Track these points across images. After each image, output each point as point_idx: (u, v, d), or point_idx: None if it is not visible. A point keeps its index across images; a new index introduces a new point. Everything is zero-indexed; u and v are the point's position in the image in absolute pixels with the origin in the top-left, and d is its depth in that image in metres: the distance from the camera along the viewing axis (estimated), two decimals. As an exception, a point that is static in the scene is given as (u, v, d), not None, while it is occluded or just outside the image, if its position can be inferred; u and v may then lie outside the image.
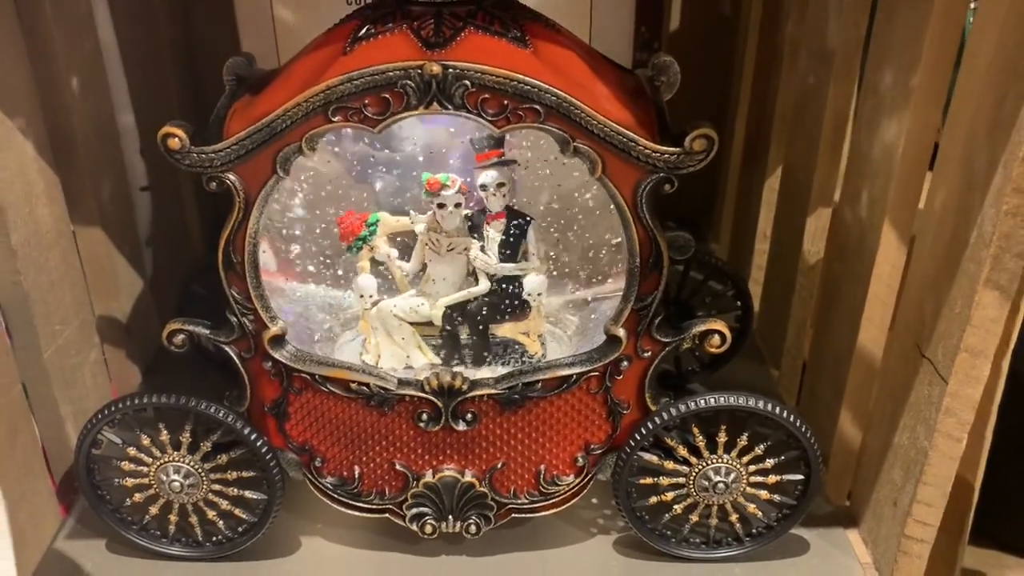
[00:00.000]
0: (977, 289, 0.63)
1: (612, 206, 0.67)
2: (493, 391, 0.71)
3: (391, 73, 0.61)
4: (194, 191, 1.15)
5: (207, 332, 0.72)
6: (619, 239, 0.70)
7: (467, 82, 0.61)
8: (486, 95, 0.62)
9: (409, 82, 0.61)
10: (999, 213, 0.60)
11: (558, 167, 0.72)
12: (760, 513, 0.77)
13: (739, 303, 0.95)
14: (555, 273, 0.76)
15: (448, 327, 0.75)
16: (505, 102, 0.62)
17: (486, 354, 0.75)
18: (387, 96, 0.62)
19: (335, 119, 0.63)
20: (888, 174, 0.75)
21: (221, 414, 0.72)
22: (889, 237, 0.76)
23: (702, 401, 0.71)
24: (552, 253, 0.76)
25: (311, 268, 0.77)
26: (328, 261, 0.77)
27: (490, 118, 0.63)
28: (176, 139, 0.64)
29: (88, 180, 0.89)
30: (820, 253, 0.95)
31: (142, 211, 1.05)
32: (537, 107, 0.62)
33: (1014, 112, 0.58)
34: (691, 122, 0.65)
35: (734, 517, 0.77)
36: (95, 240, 0.92)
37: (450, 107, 0.62)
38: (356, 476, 0.76)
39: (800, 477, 0.75)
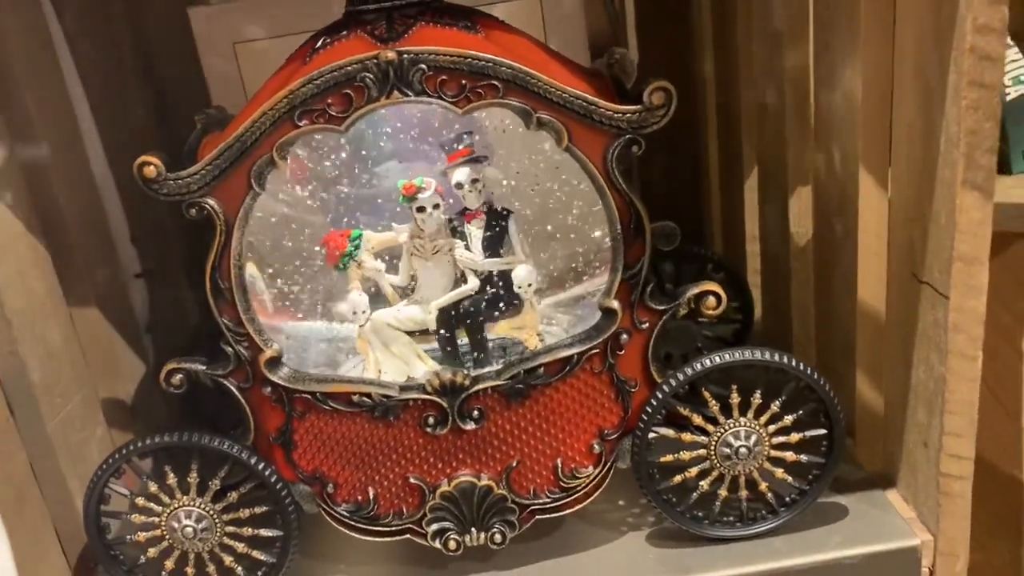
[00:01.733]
0: (956, 192, 0.63)
1: (586, 180, 0.68)
2: (496, 383, 0.70)
3: (349, 68, 0.63)
4: (188, 279, 1.16)
5: (204, 367, 0.72)
6: (596, 218, 0.70)
7: (423, 65, 0.63)
8: (444, 76, 0.64)
9: (367, 74, 0.63)
10: (960, 111, 0.61)
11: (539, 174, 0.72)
12: (790, 478, 0.74)
13: (737, 295, 0.95)
14: (544, 283, 0.75)
15: (443, 329, 0.74)
16: (463, 81, 0.64)
17: (484, 356, 0.74)
18: (348, 92, 0.64)
19: (302, 123, 0.65)
20: (853, 122, 0.76)
21: (226, 446, 0.71)
22: (867, 184, 0.77)
23: (707, 361, 0.70)
24: (542, 255, 0.75)
25: (304, 305, 0.77)
26: (319, 296, 0.77)
27: (451, 100, 0.64)
28: (152, 167, 0.66)
29: (81, 263, 0.91)
30: (808, 233, 0.95)
31: (138, 298, 1.06)
32: (495, 82, 0.64)
33: (952, 9, 0.59)
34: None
35: (764, 486, 0.74)
36: (92, 321, 0.92)
37: (410, 93, 0.64)
38: (371, 498, 0.74)
39: (823, 431, 0.73)
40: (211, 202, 0.65)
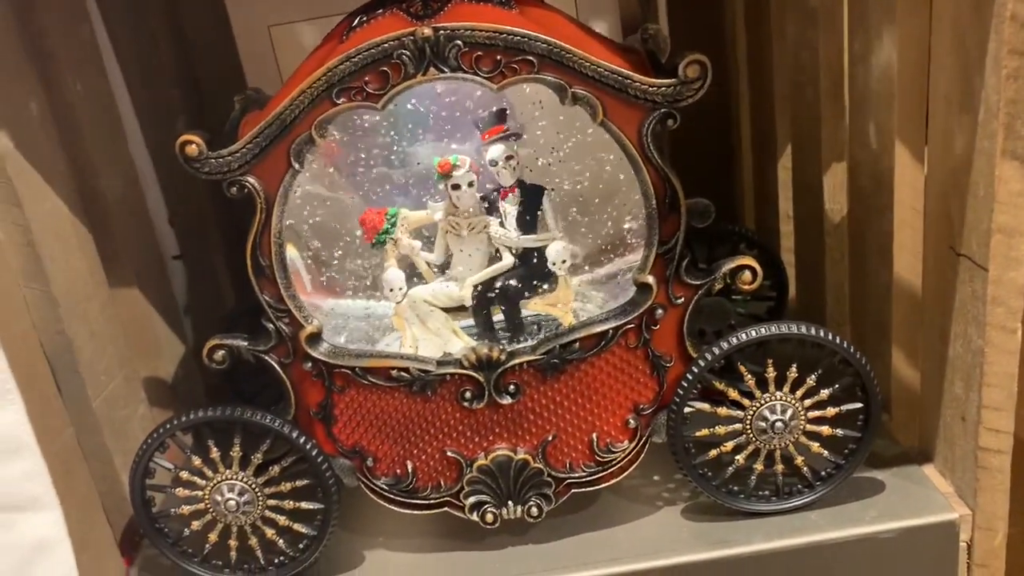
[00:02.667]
0: (996, 163, 0.62)
1: (620, 155, 0.68)
2: (532, 358, 0.71)
3: (386, 45, 0.64)
4: (225, 260, 1.18)
5: (246, 344, 0.73)
6: (631, 193, 0.70)
7: (459, 42, 0.64)
8: (479, 52, 0.64)
9: (404, 51, 0.64)
10: (1000, 80, 0.60)
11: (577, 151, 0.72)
12: (826, 452, 0.74)
13: (771, 272, 0.94)
14: (578, 259, 0.76)
15: (479, 304, 0.75)
16: (498, 57, 0.65)
17: (519, 332, 0.75)
18: (385, 69, 0.65)
19: (340, 101, 0.66)
20: (889, 94, 0.75)
21: (269, 421, 0.72)
22: (903, 157, 0.76)
23: (743, 335, 0.70)
24: (577, 231, 0.75)
25: (344, 282, 0.78)
26: (361, 272, 0.78)
27: (486, 76, 0.65)
28: (194, 146, 0.67)
29: (121, 246, 0.92)
30: (843, 210, 0.94)
31: (177, 279, 1.07)
32: (530, 58, 0.65)
33: (992, -24, 0.59)
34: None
35: (800, 460, 0.74)
36: (133, 302, 0.94)
37: (446, 70, 0.65)
38: (410, 471, 0.75)
39: (859, 405, 0.73)
40: (251, 180, 0.66)
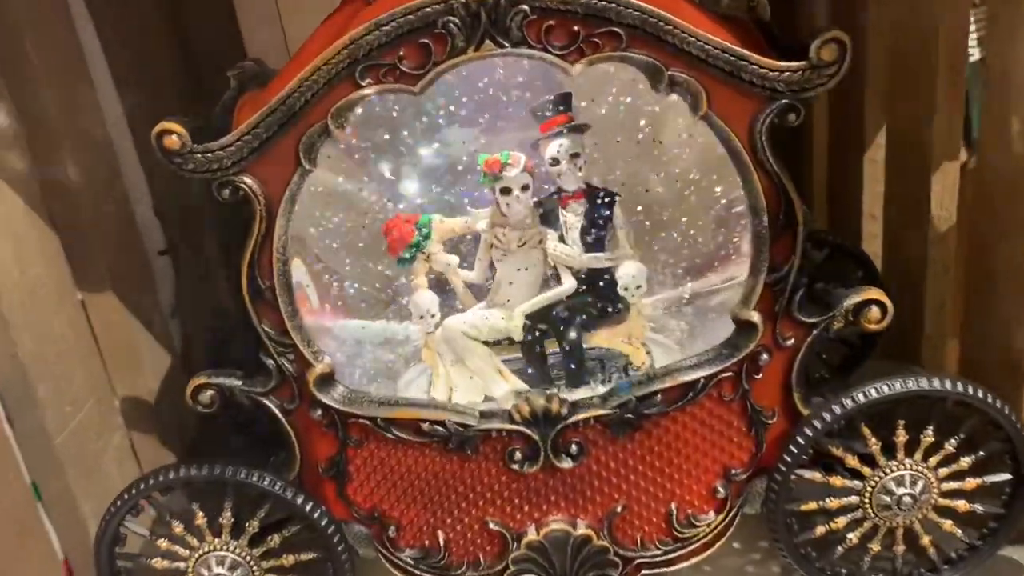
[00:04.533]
0: None
1: (723, 153, 0.53)
2: (601, 412, 0.58)
3: (429, 10, 0.49)
4: (220, 254, 1.03)
5: (240, 383, 0.60)
6: (733, 205, 0.56)
7: (525, 7, 0.49)
8: (551, 21, 0.50)
9: (452, 18, 0.49)
10: None
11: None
12: (959, 531, 0.60)
13: (863, 276, 0.81)
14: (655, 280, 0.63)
15: (531, 340, 0.62)
16: (575, 28, 0.49)
17: (582, 371, 0.62)
18: (426, 41, 0.50)
19: (365, 83, 0.51)
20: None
21: (267, 483, 0.58)
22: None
23: (873, 391, 0.57)
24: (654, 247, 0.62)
25: (360, 299, 0.65)
26: (380, 287, 0.65)
27: (559, 52, 0.50)
28: (175, 137, 0.52)
29: (95, 242, 0.78)
30: (952, 217, 0.80)
31: (163, 278, 0.93)
32: (617, 29, 0.49)
33: None
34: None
35: (926, 540, 0.60)
36: (109, 308, 0.80)
37: (506, 43, 0.50)
38: (441, 544, 0.62)
39: (1007, 477, 0.58)
40: (249, 181, 0.54)
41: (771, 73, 0.52)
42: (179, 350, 0.92)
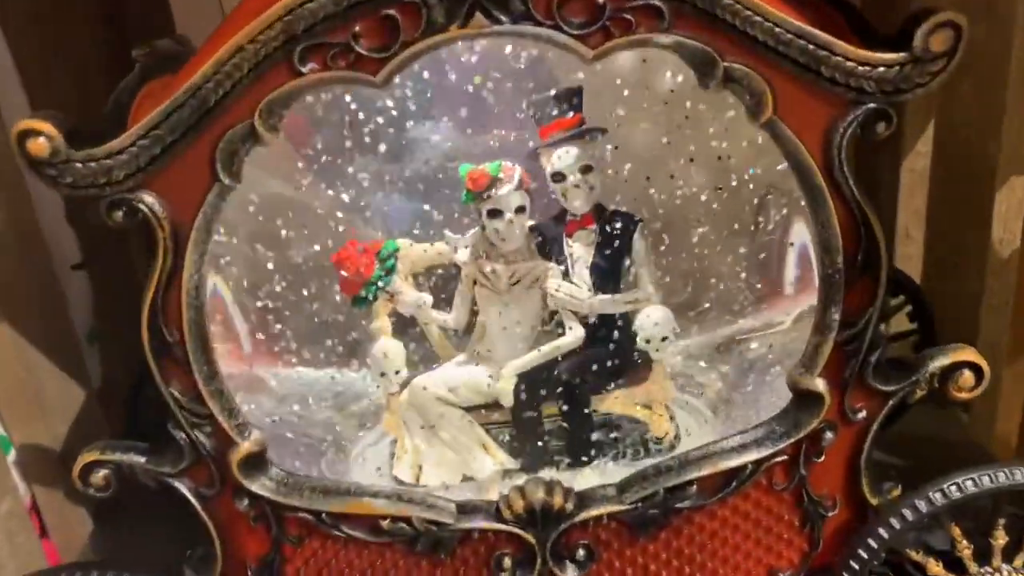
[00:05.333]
0: None
1: (785, 170, 0.41)
2: (618, 508, 0.46)
3: (395, -30, 0.35)
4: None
5: (142, 461, 0.47)
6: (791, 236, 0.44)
7: (533, -33, 0.35)
8: (568, -9, 0.36)
9: (428, -18, 0.35)
10: None
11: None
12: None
13: (916, 320, 0.71)
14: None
15: (525, 406, 0.50)
16: (600, 1, 0.36)
17: (589, 446, 0.51)
18: (392, 13, 0.37)
19: (307, 68, 0.37)
20: None
21: (174, 595, 0.44)
22: None
23: (967, 483, 0.44)
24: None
25: (305, 342, 0.54)
26: (327, 326, 0.54)
27: (575, 31, 0.37)
28: (42, 140, 0.39)
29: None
30: (1016, 241, 0.69)
31: (78, 297, 0.79)
32: (657, 2, 0.36)
33: None
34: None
35: (1022, 664, 0.48)
36: (3, 337, 0.66)
37: (505, 18, 0.37)
38: (405, 671, 0.48)
39: None
40: (149, 200, 0.43)
41: (860, 68, 0.40)
42: (97, 384, 0.78)
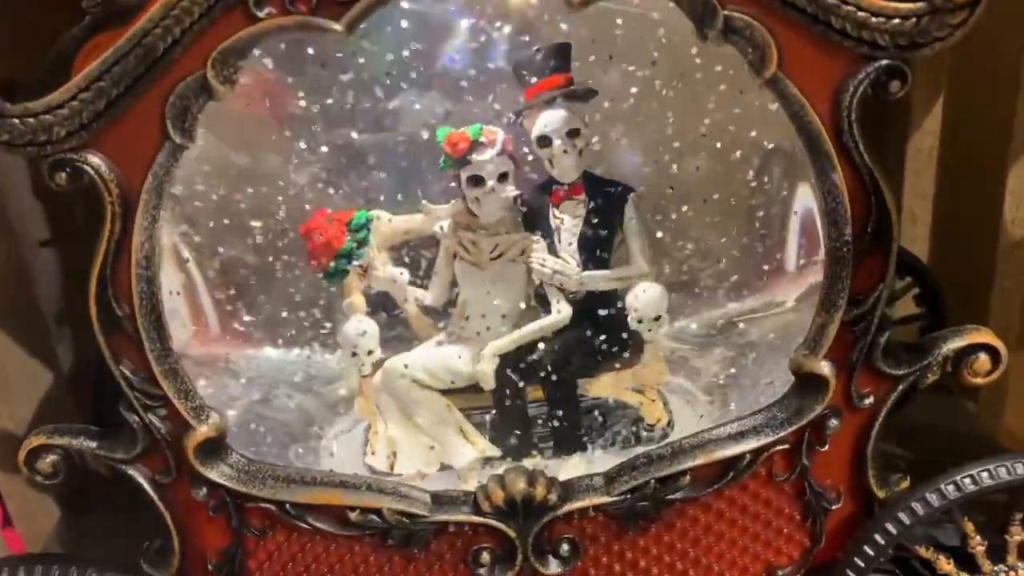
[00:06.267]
0: None
1: (792, 139, 0.38)
2: (605, 500, 0.43)
3: None
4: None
5: (93, 446, 0.44)
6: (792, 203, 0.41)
7: (512, -101, 0.32)
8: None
9: (397, -87, 0.32)
10: None
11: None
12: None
13: (924, 303, 0.68)
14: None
15: (507, 391, 0.47)
16: (589, -62, 0.33)
17: (576, 432, 0.48)
18: None
19: (264, 13, 0.34)
20: None
21: (126, 591, 0.41)
22: None
23: (985, 475, 0.42)
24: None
25: (275, 321, 0.51)
26: (300, 303, 0.50)
27: (564, -27, 0.33)
28: None
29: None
30: (1032, 221, 0.66)
31: (46, 276, 0.76)
32: (652, -59, 0.33)
33: None
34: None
35: (1036, 666, 0.45)
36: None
37: None
38: (378, 671, 0.45)
39: None
40: (94, 161, 0.40)
41: (873, 19, 0.38)
42: (68, 364, 0.75)
